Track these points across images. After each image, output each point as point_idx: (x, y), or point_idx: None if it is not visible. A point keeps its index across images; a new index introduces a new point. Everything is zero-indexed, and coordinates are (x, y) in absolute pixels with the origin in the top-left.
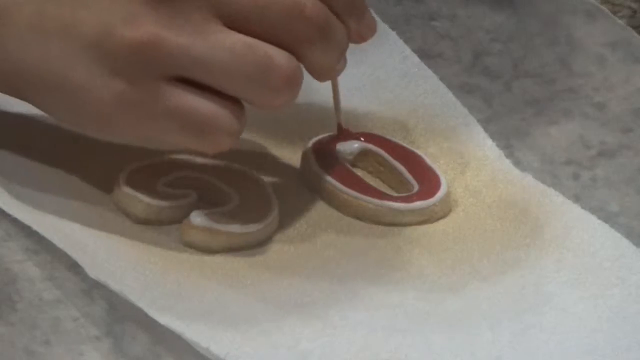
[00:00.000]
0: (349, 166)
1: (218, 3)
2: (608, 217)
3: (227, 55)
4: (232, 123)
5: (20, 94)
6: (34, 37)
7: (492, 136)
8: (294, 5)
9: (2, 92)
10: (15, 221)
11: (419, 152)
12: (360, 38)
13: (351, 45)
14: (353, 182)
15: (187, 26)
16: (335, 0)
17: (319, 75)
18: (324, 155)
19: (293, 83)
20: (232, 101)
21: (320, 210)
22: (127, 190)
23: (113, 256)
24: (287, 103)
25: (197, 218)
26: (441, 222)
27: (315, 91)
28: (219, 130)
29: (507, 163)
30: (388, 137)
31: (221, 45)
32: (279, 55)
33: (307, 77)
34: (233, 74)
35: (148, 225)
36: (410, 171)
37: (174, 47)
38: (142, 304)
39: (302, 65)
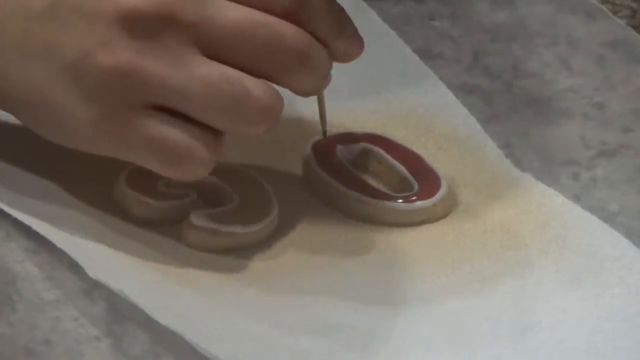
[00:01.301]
0: (349, 166)
1: (197, 32)
2: (608, 217)
3: (202, 86)
4: (205, 154)
5: (5, 107)
6: (17, 55)
7: (492, 136)
8: (274, 35)
9: None
10: (15, 221)
11: (419, 152)
12: (348, 58)
13: None
14: (353, 183)
15: (165, 55)
16: (319, 25)
17: (303, 96)
18: (324, 156)
19: (270, 114)
20: (208, 131)
21: (320, 210)
22: (127, 190)
23: (113, 256)
24: (266, 132)
25: (197, 218)
26: (441, 222)
27: None
28: (191, 161)
29: (507, 163)
30: (388, 137)
31: (197, 75)
32: (256, 87)
33: None
34: (208, 105)
35: (148, 225)
36: (410, 171)
37: (150, 75)
38: (142, 304)
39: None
